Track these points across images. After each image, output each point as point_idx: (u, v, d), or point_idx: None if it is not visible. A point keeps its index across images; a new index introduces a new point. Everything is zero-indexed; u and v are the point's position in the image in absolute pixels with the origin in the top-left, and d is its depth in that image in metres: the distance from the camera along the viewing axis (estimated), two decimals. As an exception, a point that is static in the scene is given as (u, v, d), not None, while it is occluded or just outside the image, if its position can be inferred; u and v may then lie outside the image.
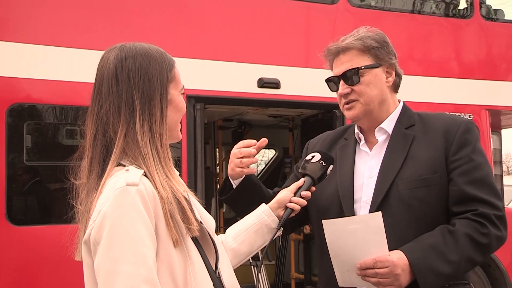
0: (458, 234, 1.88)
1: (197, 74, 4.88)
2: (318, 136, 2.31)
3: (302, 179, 1.95)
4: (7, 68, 4.40)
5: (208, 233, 1.54)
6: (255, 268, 5.36)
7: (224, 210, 7.13)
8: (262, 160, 20.73)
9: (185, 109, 1.61)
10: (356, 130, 2.13)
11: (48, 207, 4.73)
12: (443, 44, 6.12)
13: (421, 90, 5.74)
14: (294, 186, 1.94)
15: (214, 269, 1.52)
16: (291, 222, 2.09)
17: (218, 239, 1.72)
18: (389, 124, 2.08)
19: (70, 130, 4.80)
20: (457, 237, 1.88)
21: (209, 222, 1.60)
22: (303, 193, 1.91)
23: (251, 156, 2.00)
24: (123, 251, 1.33)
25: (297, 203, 1.89)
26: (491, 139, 6.38)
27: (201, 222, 1.50)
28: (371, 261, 1.80)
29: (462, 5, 6.43)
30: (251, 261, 5.50)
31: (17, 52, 4.44)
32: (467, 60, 6.30)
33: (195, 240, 1.49)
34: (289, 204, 1.89)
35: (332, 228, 1.85)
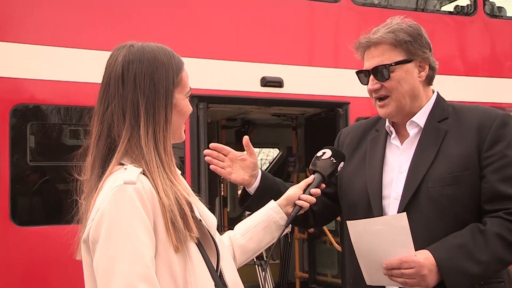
0: (489, 234, 1.82)
1: (200, 73, 4.87)
2: (351, 126, 2.25)
3: (311, 176, 1.91)
4: (10, 68, 4.40)
5: (209, 232, 1.53)
6: (260, 267, 5.36)
7: (228, 210, 7.12)
8: (266, 159, 20.73)
9: (190, 112, 1.61)
10: (387, 123, 2.05)
11: (52, 207, 4.74)
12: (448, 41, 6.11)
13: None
14: (303, 183, 1.90)
15: (215, 268, 1.52)
16: (322, 214, 2.09)
17: (221, 237, 1.71)
18: (421, 118, 2.00)
19: (73, 131, 4.80)
20: (488, 237, 1.82)
21: (210, 221, 1.59)
22: (313, 190, 1.87)
23: (223, 160, 2.06)
24: (120, 249, 1.34)
25: (306, 201, 1.86)
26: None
27: (200, 220, 1.50)
28: (397, 262, 1.76)
29: (465, 2, 6.41)
30: (255, 260, 5.50)
31: (20, 53, 4.44)
32: (472, 57, 6.28)
33: (197, 239, 1.48)
34: (298, 202, 1.86)
35: (356, 228, 1.83)
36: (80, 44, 4.59)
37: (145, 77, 1.50)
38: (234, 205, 8.12)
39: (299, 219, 1.94)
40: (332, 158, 1.91)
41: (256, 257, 5.69)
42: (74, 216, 1.52)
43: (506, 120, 1.94)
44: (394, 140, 2.03)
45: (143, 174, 1.43)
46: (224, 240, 1.81)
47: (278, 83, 5.23)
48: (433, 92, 2.07)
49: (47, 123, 4.72)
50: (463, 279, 1.80)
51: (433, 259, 1.78)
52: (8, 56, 4.41)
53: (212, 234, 1.55)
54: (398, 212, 1.89)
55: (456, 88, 5.98)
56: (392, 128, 2.04)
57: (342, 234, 5.52)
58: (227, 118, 6.84)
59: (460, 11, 6.33)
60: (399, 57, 1.95)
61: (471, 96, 6.05)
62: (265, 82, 5.18)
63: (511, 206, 1.85)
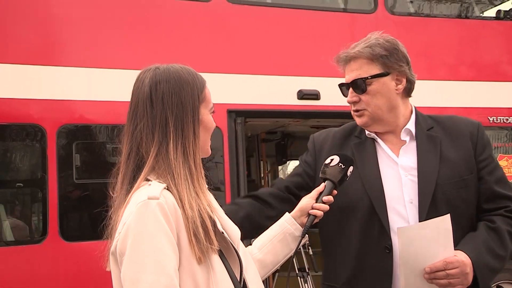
0: (501, 231, 1.96)
1: (237, 89, 4.95)
2: (322, 132, 2.26)
3: (322, 184, 1.92)
4: (56, 91, 4.59)
5: (232, 244, 1.58)
6: (302, 279, 5.34)
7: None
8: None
9: (214, 127, 1.68)
10: (368, 132, 2.11)
11: (98, 223, 4.87)
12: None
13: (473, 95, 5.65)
14: (315, 192, 1.93)
15: (239, 279, 1.56)
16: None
17: (245, 249, 1.75)
18: (412, 126, 2.09)
19: (115, 148, 4.95)
20: (500, 233, 1.96)
21: (234, 233, 1.64)
22: (325, 198, 1.89)
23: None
24: (145, 261, 1.41)
25: (319, 209, 1.88)
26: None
27: (222, 233, 1.55)
28: (441, 263, 1.81)
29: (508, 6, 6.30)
30: (297, 272, 5.49)
31: (64, 75, 4.63)
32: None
33: (219, 251, 1.54)
34: (311, 211, 1.88)
35: (408, 234, 1.85)
36: (121, 65, 4.74)
37: (172, 96, 1.58)
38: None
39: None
40: (340, 164, 1.92)
41: (298, 269, 5.68)
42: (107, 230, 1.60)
43: (482, 127, 2.14)
44: (383, 146, 2.08)
45: (167, 189, 1.50)
46: None
47: (315, 96, 5.25)
48: (411, 104, 2.16)
49: (92, 142, 4.87)
50: (490, 274, 1.93)
51: (469, 258, 1.86)
52: (53, 79, 4.59)
53: (235, 246, 1.59)
54: (419, 217, 1.95)
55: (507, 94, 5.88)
56: (374, 135, 2.09)
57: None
58: (267, 132, 6.89)
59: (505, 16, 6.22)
60: (376, 71, 2.03)
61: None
62: (302, 95, 5.21)
63: (509, 204, 2.03)
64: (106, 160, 4.89)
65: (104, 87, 4.70)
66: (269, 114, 5.26)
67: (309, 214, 1.88)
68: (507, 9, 6.30)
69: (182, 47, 4.94)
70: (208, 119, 1.65)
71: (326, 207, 1.89)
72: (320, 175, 1.96)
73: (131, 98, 1.62)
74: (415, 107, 2.16)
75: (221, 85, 4.72)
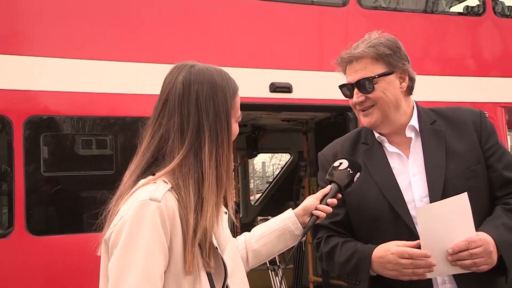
0: None
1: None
2: (331, 146, 2.24)
3: (328, 186, 1.92)
4: (23, 81, 4.47)
5: (222, 259, 1.57)
6: (273, 272, 5.36)
7: (241, 215, 7.14)
8: (279, 164, 20.73)
9: (236, 135, 1.64)
10: (377, 134, 2.11)
11: (66, 216, 4.78)
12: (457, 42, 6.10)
13: (437, 89, 5.71)
14: (320, 193, 1.92)
15: (222, 285, 1.55)
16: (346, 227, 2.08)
17: (234, 248, 1.74)
18: (415, 122, 2.09)
19: (86, 141, 4.85)
20: None
21: (224, 237, 1.63)
22: (329, 200, 1.89)
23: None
24: (133, 261, 1.42)
25: (323, 211, 1.88)
26: (508, 136, 6.33)
27: (216, 248, 1.54)
28: (464, 243, 1.80)
29: (474, 2, 6.40)
30: (268, 265, 5.50)
31: (32, 65, 4.51)
32: (482, 57, 6.26)
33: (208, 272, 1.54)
34: (315, 212, 1.87)
35: (426, 214, 1.84)
36: (90, 55, 4.65)
37: (206, 99, 1.55)
38: (246, 211, 8.14)
39: None
40: (349, 169, 1.92)
41: (269, 262, 5.70)
42: (96, 224, 1.59)
43: (484, 115, 2.13)
44: (391, 148, 2.08)
45: (170, 190, 1.48)
46: (240, 241, 1.90)
47: (287, 89, 5.25)
48: (412, 100, 2.16)
49: (60, 134, 4.77)
50: None
51: (491, 237, 1.85)
52: (20, 69, 4.47)
53: (222, 252, 1.58)
54: None
55: (464, 89, 5.97)
56: (382, 138, 2.09)
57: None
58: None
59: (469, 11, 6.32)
60: (381, 70, 2.03)
61: (481, 96, 6.03)
62: (274, 87, 5.20)
63: None
64: (75, 152, 4.80)
65: (72, 77, 4.60)
66: (242, 106, 5.22)
67: (312, 214, 1.88)
68: (473, 5, 6.41)
69: (151, 37, 4.87)
70: (235, 127, 1.62)
71: (330, 209, 1.89)
72: (327, 177, 1.95)
73: (161, 91, 1.58)
74: (416, 102, 2.15)
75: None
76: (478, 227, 1.90)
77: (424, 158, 2.02)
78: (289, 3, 5.48)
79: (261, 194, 10.07)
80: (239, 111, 1.64)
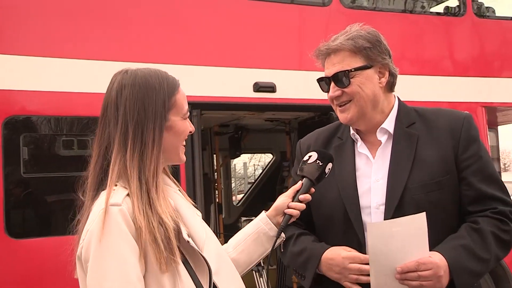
0: (485, 232, 1.84)
1: (192, 80, 4.86)
2: (309, 135, 2.19)
3: (299, 182, 1.85)
4: (1, 81, 4.38)
5: (199, 251, 1.55)
6: (257, 273, 5.34)
7: (223, 216, 7.11)
8: (259, 165, 20.70)
9: (189, 130, 1.65)
10: (352, 131, 2.03)
11: (47, 219, 4.70)
12: (437, 42, 6.14)
13: (417, 89, 5.74)
14: (291, 190, 1.86)
15: (208, 284, 1.53)
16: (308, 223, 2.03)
17: (220, 250, 1.70)
18: (389, 124, 1.99)
19: (66, 141, 4.78)
20: (484, 235, 1.83)
21: (200, 236, 1.60)
22: (301, 196, 1.82)
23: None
24: (107, 269, 1.42)
25: (296, 208, 1.81)
26: (488, 136, 6.39)
27: (188, 242, 1.53)
28: (413, 264, 1.73)
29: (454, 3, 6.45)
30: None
31: (10, 64, 4.42)
32: (461, 57, 6.32)
33: (185, 262, 1.52)
34: (287, 210, 1.81)
35: (376, 231, 1.78)
36: (70, 54, 4.58)
37: (136, 101, 1.55)
38: (229, 212, 8.10)
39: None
40: (318, 161, 1.85)
41: (253, 263, 5.67)
42: (71, 227, 1.60)
43: (471, 121, 1.97)
44: (362, 148, 2.00)
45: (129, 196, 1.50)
46: None
47: (271, 88, 5.23)
48: (395, 97, 2.06)
49: (40, 134, 4.68)
50: (470, 278, 1.81)
51: (445, 260, 1.77)
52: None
53: (201, 251, 1.56)
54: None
55: (445, 88, 6.01)
56: (357, 136, 2.02)
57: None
58: (220, 125, 6.83)
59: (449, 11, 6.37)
60: (359, 63, 1.94)
61: (461, 96, 6.08)
62: (258, 87, 5.18)
63: (497, 205, 1.88)
64: (56, 153, 4.71)
65: (53, 77, 4.51)
66: (226, 106, 5.20)
67: (284, 214, 1.82)
68: (453, 6, 6.47)
69: (133, 36, 4.81)
70: (179, 125, 1.61)
71: (303, 206, 1.82)
72: (298, 172, 1.88)
73: (103, 100, 1.61)
74: (399, 100, 2.06)
75: (176, 77, 4.60)
76: (437, 244, 1.82)
77: (389, 163, 1.92)
78: (272, 2, 5.46)
79: (243, 194, 10.04)
80: (184, 108, 1.64)
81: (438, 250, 1.80)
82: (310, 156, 1.88)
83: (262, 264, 5.53)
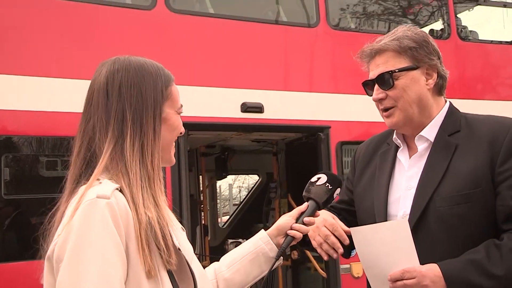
0: (505, 249, 1.70)
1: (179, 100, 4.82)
2: (366, 141, 2.13)
3: (305, 204, 1.76)
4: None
5: (188, 263, 1.40)
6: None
7: (209, 238, 7.00)
8: (243, 186, 20.55)
9: (181, 129, 1.51)
10: (395, 135, 1.95)
11: (29, 242, 4.57)
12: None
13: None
14: (296, 211, 1.75)
15: None
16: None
17: (205, 271, 1.59)
18: (431, 131, 1.89)
19: (49, 162, 4.68)
20: (504, 252, 1.70)
21: (189, 250, 1.47)
22: (306, 219, 1.71)
23: None
24: (87, 269, 1.21)
25: (299, 230, 1.70)
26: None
27: (179, 249, 1.38)
28: (399, 272, 1.69)
29: (439, 26, 6.51)
30: None
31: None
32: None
33: (169, 272, 1.36)
34: (290, 232, 1.69)
35: (360, 236, 1.74)
36: (55, 73, 4.51)
37: (131, 86, 1.41)
38: (214, 234, 7.99)
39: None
40: (327, 184, 1.77)
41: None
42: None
43: None
44: (401, 154, 1.93)
45: (120, 191, 1.32)
46: (209, 273, 1.67)
47: (259, 109, 5.20)
48: (446, 102, 1.97)
49: (21, 155, 4.58)
50: None
51: (439, 271, 1.69)
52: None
53: (190, 265, 1.42)
54: None
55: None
56: (399, 141, 1.95)
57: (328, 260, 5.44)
58: (207, 145, 6.77)
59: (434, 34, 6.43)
60: (404, 64, 1.86)
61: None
62: (246, 107, 5.14)
63: None
64: (38, 174, 4.60)
65: (35, 96, 4.44)
66: (213, 127, 5.16)
67: (286, 235, 1.70)
68: (438, 29, 6.54)
69: (114, 56, 4.75)
70: (175, 118, 1.47)
71: (307, 229, 1.72)
72: (304, 193, 1.79)
73: (88, 91, 1.44)
74: (450, 106, 1.95)
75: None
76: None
77: (421, 172, 1.85)
78: (260, 23, 5.47)
79: (229, 216, 9.94)
80: (179, 102, 1.50)
81: (444, 262, 1.71)
82: (319, 178, 1.80)
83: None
